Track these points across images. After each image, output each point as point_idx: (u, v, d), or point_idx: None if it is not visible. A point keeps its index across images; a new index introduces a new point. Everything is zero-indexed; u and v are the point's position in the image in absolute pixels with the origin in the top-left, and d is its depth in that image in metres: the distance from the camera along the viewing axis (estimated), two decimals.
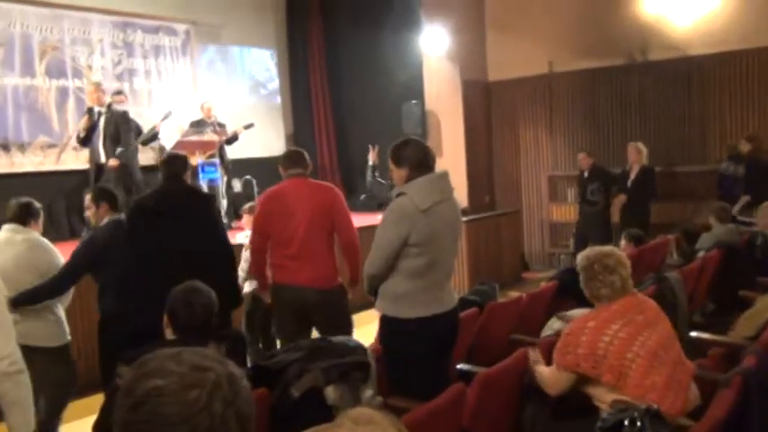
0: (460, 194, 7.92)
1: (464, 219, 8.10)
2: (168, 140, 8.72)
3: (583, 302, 4.42)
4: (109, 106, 7.25)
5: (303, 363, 2.72)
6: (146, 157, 8.41)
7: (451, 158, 8.91)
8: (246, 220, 5.15)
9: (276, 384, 2.72)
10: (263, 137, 9.67)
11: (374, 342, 3.31)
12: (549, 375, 2.69)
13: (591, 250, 2.83)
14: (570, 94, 8.89)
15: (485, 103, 9.51)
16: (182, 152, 7.88)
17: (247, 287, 4.93)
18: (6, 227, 3.77)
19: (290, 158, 4.09)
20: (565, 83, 8.88)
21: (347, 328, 3.92)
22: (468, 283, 7.86)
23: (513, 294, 4.38)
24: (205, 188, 7.45)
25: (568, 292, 4.39)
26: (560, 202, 9.10)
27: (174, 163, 3.97)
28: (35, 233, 3.82)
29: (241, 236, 5.24)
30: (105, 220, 3.93)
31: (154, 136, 7.92)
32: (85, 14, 8.19)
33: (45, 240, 3.87)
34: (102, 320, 3.89)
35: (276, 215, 3.92)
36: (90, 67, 8.24)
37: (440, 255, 2.97)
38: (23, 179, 7.48)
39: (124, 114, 7.35)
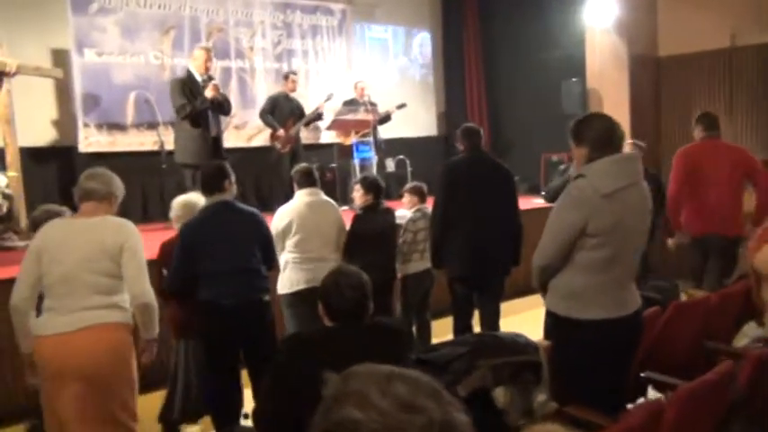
0: None
1: None
2: (323, 120, 8.85)
3: None
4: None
5: (470, 358, 2.52)
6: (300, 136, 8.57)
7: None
8: (408, 199, 5.01)
9: (439, 381, 2.53)
10: (415, 116, 9.54)
11: (542, 339, 3.03)
12: None
13: None
14: (756, 71, 7.93)
15: (654, 80, 8.73)
16: (336, 130, 8.05)
17: (411, 267, 4.82)
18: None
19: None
20: (750, 58, 7.92)
21: None
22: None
23: (693, 292, 3.91)
24: (357, 168, 7.47)
25: None
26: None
27: (476, 135, 4.60)
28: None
29: (400, 213, 5.11)
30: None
31: (318, 116, 8.02)
32: None
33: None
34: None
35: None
36: (252, 49, 8.46)
37: (623, 248, 2.61)
38: None
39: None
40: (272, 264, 3.98)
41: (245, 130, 8.42)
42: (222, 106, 6.58)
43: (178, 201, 4.12)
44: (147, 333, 3.04)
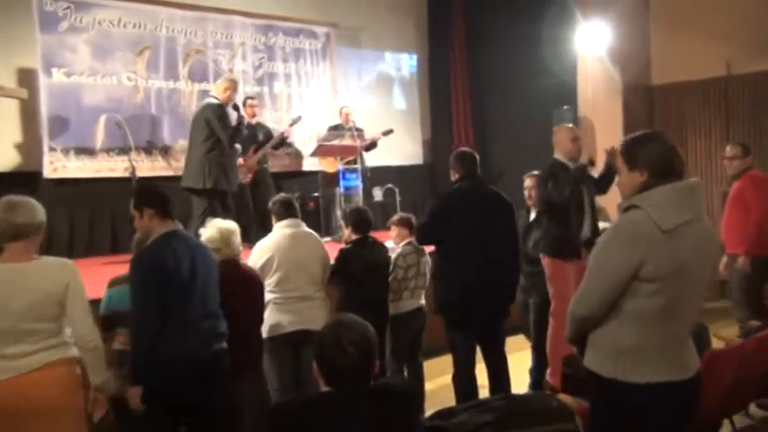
0: (615, 213, 7.04)
1: None
2: (304, 146, 8.48)
3: None
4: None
5: (498, 428, 2.09)
6: (280, 163, 8.18)
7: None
8: (397, 232, 4.60)
9: None
10: (400, 144, 9.18)
11: (568, 398, 2.62)
12: None
13: None
14: (751, 100, 7.73)
15: (647, 109, 8.51)
16: (321, 157, 7.67)
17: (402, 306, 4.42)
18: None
19: None
20: (745, 87, 7.73)
21: None
22: None
23: (726, 337, 3.54)
24: (341, 196, 7.10)
25: None
26: None
27: (471, 161, 4.20)
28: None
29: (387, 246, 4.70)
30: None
31: (283, 141, 7.63)
32: (229, 17, 8.06)
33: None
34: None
35: None
36: (231, 71, 8.08)
37: (684, 295, 2.20)
38: (164, 183, 7.37)
39: None
40: None
41: None
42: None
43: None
44: (97, 377, 2.89)
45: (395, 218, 4.70)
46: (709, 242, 2.27)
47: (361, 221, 4.37)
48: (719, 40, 7.69)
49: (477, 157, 4.30)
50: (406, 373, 4.53)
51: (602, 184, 4.84)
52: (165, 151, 7.55)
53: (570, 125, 5.16)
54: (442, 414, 2.25)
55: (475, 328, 4.08)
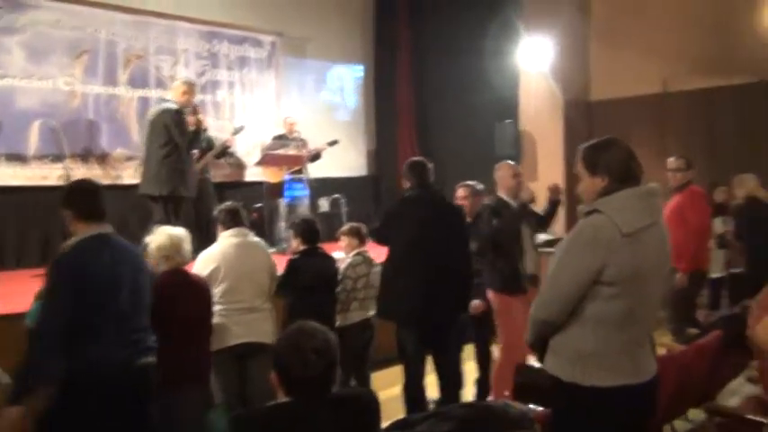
0: (557, 224, 7.16)
1: None
2: (247, 156, 8.34)
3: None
4: None
5: None
6: (221, 173, 8.01)
7: (548, 185, 8.16)
8: (346, 242, 4.55)
9: None
10: (345, 155, 9.13)
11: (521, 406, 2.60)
12: None
13: None
14: (687, 117, 8.00)
15: (587, 124, 8.72)
16: (267, 167, 7.55)
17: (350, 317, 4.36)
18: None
19: None
20: (681, 104, 8.00)
21: None
22: None
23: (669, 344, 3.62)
24: (285, 207, 7.01)
25: (737, 344, 3.63)
26: None
27: (423, 170, 4.20)
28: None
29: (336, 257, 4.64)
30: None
31: (225, 150, 7.48)
32: (171, 23, 7.88)
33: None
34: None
35: None
36: (173, 78, 7.88)
37: (643, 299, 2.22)
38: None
39: None
40: None
41: None
42: None
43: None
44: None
45: (344, 228, 4.65)
46: (664, 246, 2.31)
47: (309, 232, 4.31)
48: (656, 58, 7.96)
49: (431, 165, 4.31)
50: (353, 385, 4.47)
51: (545, 221, 4.97)
52: (103, 159, 7.30)
53: (511, 162, 5.22)
54: (399, 425, 2.20)
55: (424, 336, 4.05)
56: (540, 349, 2.35)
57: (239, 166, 8.34)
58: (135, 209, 7.28)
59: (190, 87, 6.32)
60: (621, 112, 8.45)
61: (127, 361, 2.85)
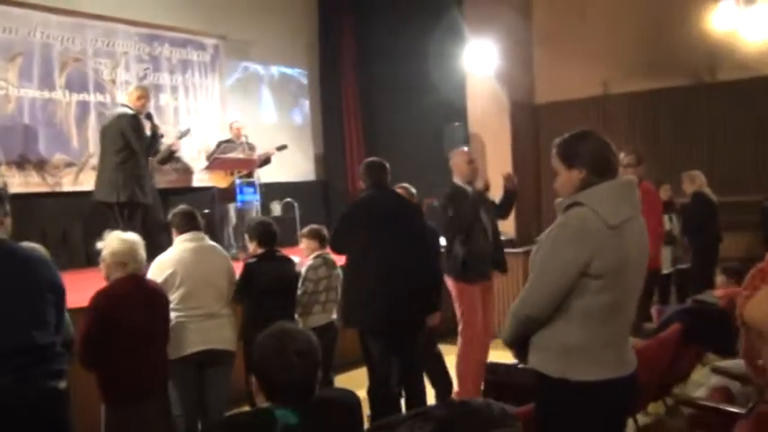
0: (506, 224, 7.24)
1: (514, 251, 7.41)
2: (193, 161, 8.14)
3: (718, 348, 3.76)
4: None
5: None
6: (166, 179, 7.79)
7: (497, 186, 8.25)
8: (306, 244, 4.47)
9: None
10: (292, 160, 9.02)
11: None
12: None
13: None
14: (627, 118, 8.24)
15: (533, 126, 8.87)
16: (218, 170, 7.37)
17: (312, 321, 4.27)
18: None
19: None
20: (621, 106, 8.24)
21: None
22: None
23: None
24: (235, 212, 6.89)
25: (695, 337, 3.72)
26: None
27: (380, 170, 4.17)
28: None
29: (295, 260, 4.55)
30: None
31: (171, 155, 7.29)
32: (110, 25, 7.61)
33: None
34: None
35: None
36: (113, 82, 7.64)
37: (627, 292, 2.22)
38: (39, 200, 6.82)
39: None
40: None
41: None
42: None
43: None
44: None
45: (305, 230, 4.57)
46: (645, 239, 2.31)
47: (266, 234, 4.21)
48: (597, 61, 8.18)
49: (387, 165, 4.27)
50: None
51: (503, 210, 5.01)
52: (41, 166, 6.98)
53: (465, 149, 5.28)
54: (379, 427, 2.14)
55: (390, 341, 4.00)
56: (521, 348, 2.32)
57: (185, 172, 8.12)
58: (77, 216, 7.03)
59: (144, 92, 6.31)
60: (565, 114, 8.61)
61: (11, 387, 2.38)
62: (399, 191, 4.97)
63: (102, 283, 3.42)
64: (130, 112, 6.15)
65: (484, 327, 4.82)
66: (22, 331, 2.47)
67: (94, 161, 7.32)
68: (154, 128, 6.24)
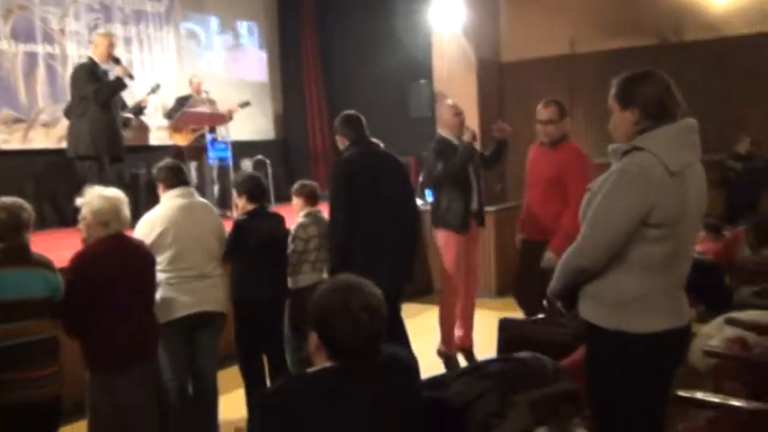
0: None
1: (487, 209, 7.42)
2: (151, 117, 7.73)
3: (711, 301, 3.78)
4: None
5: (501, 395, 1.92)
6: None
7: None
8: (296, 202, 4.28)
9: (459, 426, 1.92)
10: (251, 118, 8.70)
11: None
12: None
13: None
14: (594, 77, 8.16)
15: (498, 85, 8.79)
16: (189, 125, 7.02)
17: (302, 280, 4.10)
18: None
19: None
20: (588, 65, 8.21)
21: None
22: (495, 283, 7.16)
23: None
24: (215, 169, 6.59)
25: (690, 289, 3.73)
26: None
27: (358, 124, 4.03)
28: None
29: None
30: None
31: (140, 111, 6.91)
32: None
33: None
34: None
35: None
36: (63, 32, 7.14)
37: (685, 240, 2.13)
38: None
39: None
40: None
41: (55, 129, 7.02)
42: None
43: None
44: None
45: (296, 186, 4.36)
46: (705, 185, 2.24)
47: (255, 189, 3.98)
48: (564, 19, 8.12)
49: (363, 118, 4.10)
50: (305, 352, 4.25)
51: (495, 159, 4.95)
52: None
53: (451, 101, 5.16)
54: (432, 384, 2.03)
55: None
56: (568, 298, 2.23)
57: (142, 129, 7.71)
58: (29, 176, 6.62)
59: (103, 39, 5.91)
60: (531, 72, 8.57)
61: None
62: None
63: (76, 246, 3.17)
64: (85, 61, 5.85)
65: (467, 277, 4.83)
66: None
67: (45, 117, 6.91)
68: (124, 70, 5.83)
